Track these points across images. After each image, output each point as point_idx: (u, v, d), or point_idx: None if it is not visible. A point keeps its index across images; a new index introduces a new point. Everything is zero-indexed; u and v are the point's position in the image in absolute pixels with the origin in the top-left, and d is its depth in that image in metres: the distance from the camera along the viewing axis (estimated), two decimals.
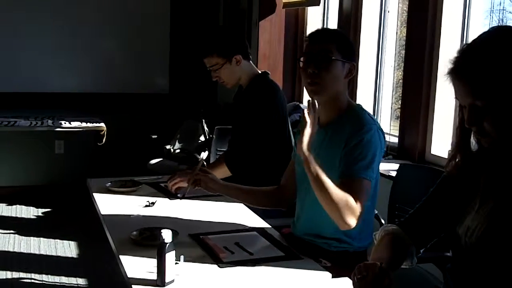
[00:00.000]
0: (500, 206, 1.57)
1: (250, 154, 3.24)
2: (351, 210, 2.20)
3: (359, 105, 2.49)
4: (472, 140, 1.64)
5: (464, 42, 3.56)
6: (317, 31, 2.51)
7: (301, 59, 2.43)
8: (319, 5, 5.01)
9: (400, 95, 4.09)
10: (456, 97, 1.58)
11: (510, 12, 3.55)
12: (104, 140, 5.92)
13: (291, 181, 2.69)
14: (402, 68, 4.09)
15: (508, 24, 3.53)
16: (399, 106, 4.11)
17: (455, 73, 1.55)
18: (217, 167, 3.30)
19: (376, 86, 4.53)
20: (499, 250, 1.56)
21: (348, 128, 2.35)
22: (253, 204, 2.84)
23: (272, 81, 3.36)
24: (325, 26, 5.30)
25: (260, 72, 3.38)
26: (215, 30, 3.70)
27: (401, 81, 4.14)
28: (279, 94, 3.31)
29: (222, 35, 3.34)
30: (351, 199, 2.21)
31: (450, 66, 1.56)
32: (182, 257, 2.14)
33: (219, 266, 2.19)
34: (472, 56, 1.52)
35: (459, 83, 1.54)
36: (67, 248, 4.86)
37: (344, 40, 2.45)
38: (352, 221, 2.20)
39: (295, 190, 2.66)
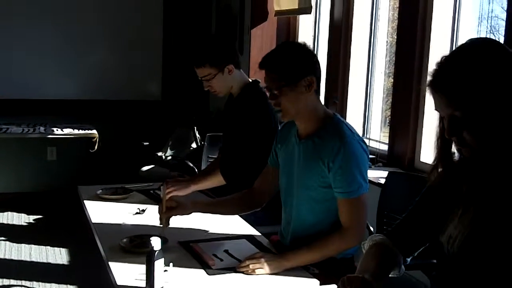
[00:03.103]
0: (481, 214, 1.59)
1: (244, 162, 3.24)
2: (349, 240, 2.37)
3: (336, 115, 2.49)
4: (454, 150, 1.67)
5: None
6: (263, 59, 2.48)
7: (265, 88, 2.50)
8: (310, 13, 5.03)
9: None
10: (436, 109, 1.61)
11: (502, 19, 3.58)
12: (96, 147, 5.93)
13: (264, 185, 2.76)
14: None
15: (500, 31, 3.56)
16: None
17: (433, 85, 1.57)
18: (212, 177, 3.30)
19: (366, 93, 4.55)
20: (481, 258, 1.58)
21: (328, 143, 2.37)
22: (228, 214, 2.86)
23: (262, 89, 3.37)
24: (316, 35, 5.34)
25: (251, 80, 3.40)
26: (207, 40, 3.68)
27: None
28: (269, 102, 3.32)
29: (214, 45, 3.33)
30: (345, 233, 2.36)
31: (429, 78, 1.59)
32: (171, 264, 2.15)
33: (207, 273, 2.20)
34: (448, 69, 1.55)
35: (437, 95, 1.57)
36: (58, 255, 4.86)
37: (287, 62, 2.41)
38: (356, 242, 2.36)
39: (268, 192, 2.76)
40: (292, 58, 2.43)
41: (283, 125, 2.74)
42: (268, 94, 2.49)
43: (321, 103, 2.50)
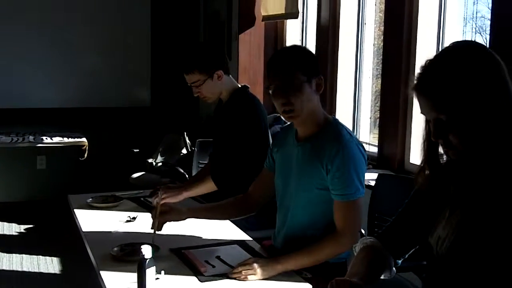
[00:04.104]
0: (468, 216, 1.60)
1: (235, 168, 3.24)
2: (344, 244, 2.34)
3: (335, 119, 2.51)
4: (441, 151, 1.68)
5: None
6: (278, 57, 2.48)
7: (270, 89, 2.42)
8: (297, 18, 5.05)
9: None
10: (421, 112, 1.62)
11: (487, 19, 3.60)
12: (86, 155, 5.91)
13: (260, 189, 2.76)
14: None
15: (486, 30, 3.58)
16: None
17: (418, 89, 1.59)
18: (203, 184, 3.29)
19: (355, 95, 4.57)
20: (469, 259, 1.59)
21: (327, 146, 2.37)
22: (223, 219, 2.87)
23: (251, 94, 3.38)
24: (303, 39, 5.36)
25: (240, 86, 3.40)
26: (196, 46, 3.67)
27: None
28: (259, 107, 3.33)
29: (203, 51, 3.33)
30: (339, 237, 2.35)
31: (414, 82, 1.60)
32: (163, 272, 2.15)
33: (200, 280, 2.20)
34: (432, 72, 1.57)
35: (422, 98, 1.58)
36: (49, 264, 4.84)
37: (305, 57, 2.43)
38: (350, 246, 2.25)
39: (264, 196, 2.76)
40: (310, 54, 2.46)
41: (280, 129, 2.74)
42: (274, 93, 2.41)
43: (321, 106, 2.50)
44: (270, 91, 2.42)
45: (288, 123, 2.67)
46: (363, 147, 2.44)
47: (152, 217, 2.62)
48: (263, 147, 3.27)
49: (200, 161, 4.62)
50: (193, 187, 3.24)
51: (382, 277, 1.86)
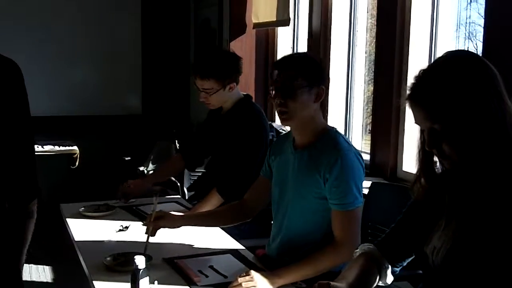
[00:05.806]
0: (463, 226, 1.60)
1: (237, 176, 3.21)
2: (343, 254, 2.27)
3: (334, 128, 2.49)
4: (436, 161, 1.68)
5: (433, 56, 3.61)
6: (282, 58, 2.49)
7: (271, 88, 2.43)
8: (288, 25, 5.05)
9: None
10: (415, 122, 1.62)
11: (479, 25, 3.61)
12: (77, 163, 5.88)
13: (256, 196, 2.76)
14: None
15: (477, 36, 3.59)
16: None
17: (412, 99, 1.59)
18: (210, 200, 3.24)
19: (347, 102, 4.57)
20: (464, 270, 1.59)
21: (324, 155, 2.36)
22: (217, 226, 2.85)
23: (255, 104, 3.39)
24: (295, 46, 5.36)
25: (243, 95, 3.39)
26: (217, 54, 3.57)
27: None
28: (264, 117, 3.34)
29: (224, 61, 3.30)
30: (339, 247, 2.32)
31: (407, 92, 1.60)
32: (156, 282, 2.14)
33: None
34: (426, 82, 1.57)
35: (416, 108, 1.58)
36: (41, 273, 4.81)
37: (309, 65, 2.41)
38: (350, 256, 2.18)
39: (259, 204, 2.76)
40: (316, 63, 2.44)
41: (277, 138, 2.74)
42: (273, 94, 2.40)
43: (321, 116, 2.49)
44: (271, 91, 2.42)
45: (286, 131, 2.65)
46: (361, 156, 2.43)
47: (146, 223, 2.61)
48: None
49: None
50: (201, 207, 3.19)
51: (379, 284, 1.86)
